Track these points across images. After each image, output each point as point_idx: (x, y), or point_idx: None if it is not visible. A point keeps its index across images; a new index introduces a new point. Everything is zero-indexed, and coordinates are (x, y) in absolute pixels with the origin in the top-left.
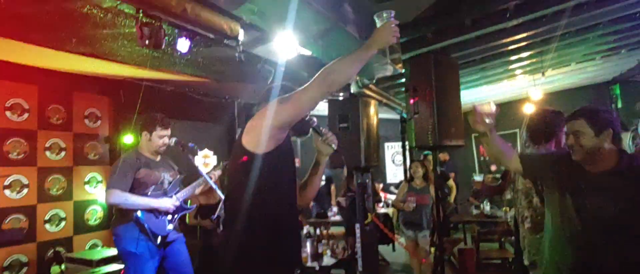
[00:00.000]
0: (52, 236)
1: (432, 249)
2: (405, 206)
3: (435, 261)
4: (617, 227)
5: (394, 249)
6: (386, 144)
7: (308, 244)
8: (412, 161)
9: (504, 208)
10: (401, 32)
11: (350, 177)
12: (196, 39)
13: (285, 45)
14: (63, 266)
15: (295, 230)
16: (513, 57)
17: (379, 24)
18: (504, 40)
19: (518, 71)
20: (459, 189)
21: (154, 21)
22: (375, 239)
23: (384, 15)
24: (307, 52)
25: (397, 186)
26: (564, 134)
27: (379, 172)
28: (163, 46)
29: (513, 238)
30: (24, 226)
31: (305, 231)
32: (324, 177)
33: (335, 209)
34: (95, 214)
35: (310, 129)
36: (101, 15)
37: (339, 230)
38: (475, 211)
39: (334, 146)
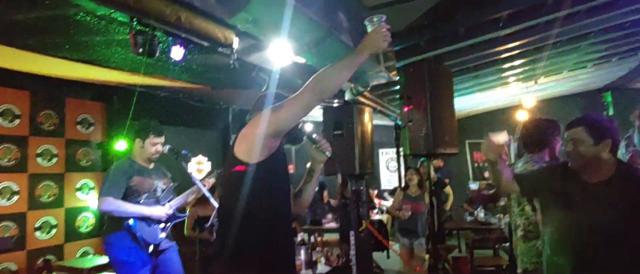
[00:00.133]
0: (42, 243)
1: (427, 256)
2: (400, 214)
3: (429, 269)
4: (614, 236)
5: (388, 256)
6: (380, 151)
7: (302, 251)
8: (407, 168)
9: (498, 215)
10: (395, 40)
11: (345, 185)
12: (190, 46)
13: (280, 53)
14: None
15: (289, 238)
16: (506, 65)
17: (369, 28)
18: (497, 49)
19: (511, 79)
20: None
21: (147, 29)
22: (370, 246)
23: (375, 19)
24: (302, 60)
25: (391, 192)
26: (559, 142)
27: (373, 178)
28: (157, 54)
29: (507, 245)
30: (13, 233)
31: (299, 238)
32: None
33: (329, 215)
34: (86, 222)
35: (304, 137)
36: (95, 22)
37: (333, 237)
38: (469, 218)
39: (328, 153)
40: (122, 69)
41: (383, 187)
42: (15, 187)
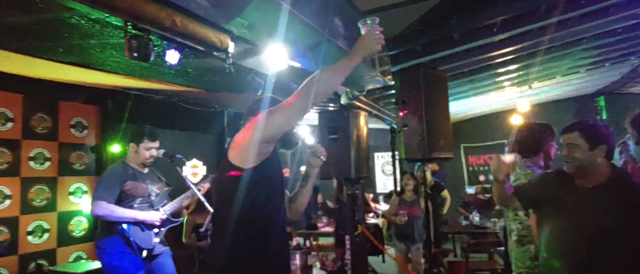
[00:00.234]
0: (34, 248)
1: (422, 261)
2: (397, 219)
3: (425, 273)
4: (608, 241)
5: (383, 261)
6: (376, 154)
7: (297, 256)
8: (402, 172)
9: (493, 219)
10: (391, 45)
11: (341, 189)
12: (185, 50)
13: (275, 57)
14: None
15: (284, 243)
16: (500, 70)
17: (363, 31)
18: (492, 54)
19: (505, 83)
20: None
21: (142, 33)
22: (365, 250)
23: (368, 22)
24: (297, 65)
25: (387, 196)
26: (554, 146)
27: (369, 182)
28: (151, 58)
29: (502, 249)
30: (5, 238)
31: (294, 242)
32: None
33: (324, 219)
34: (80, 226)
35: (299, 141)
36: (89, 25)
37: (329, 241)
38: (464, 222)
39: (323, 158)
40: (116, 73)
41: (378, 190)
42: (7, 191)
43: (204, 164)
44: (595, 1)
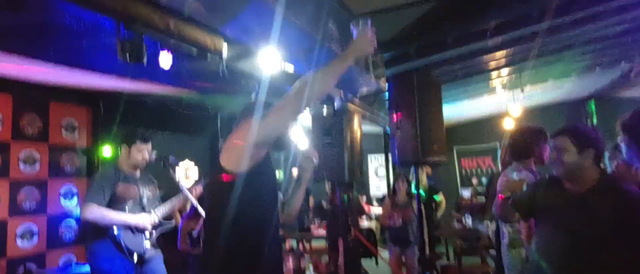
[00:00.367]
0: (23, 251)
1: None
2: (391, 223)
3: None
4: (596, 246)
5: (376, 264)
6: (369, 157)
7: (291, 259)
8: (395, 175)
9: (485, 222)
10: (384, 49)
11: (334, 193)
12: (179, 52)
13: (269, 61)
14: None
15: (276, 247)
16: (493, 74)
17: (355, 33)
18: (485, 58)
19: (498, 87)
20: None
21: (135, 36)
22: (358, 253)
23: (361, 23)
24: (291, 68)
25: (380, 199)
26: (547, 149)
27: (362, 184)
28: (144, 61)
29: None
30: None
31: (288, 246)
32: None
33: (317, 221)
34: (70, 229)
35: (292, 144)
36: (81, 26)
37: (322, 244)
38: (457, 226)
39: (316, 161)
40: (109, 74)
41: (372, 193)
42: None
43: (196, 166)
44: (587, 7)
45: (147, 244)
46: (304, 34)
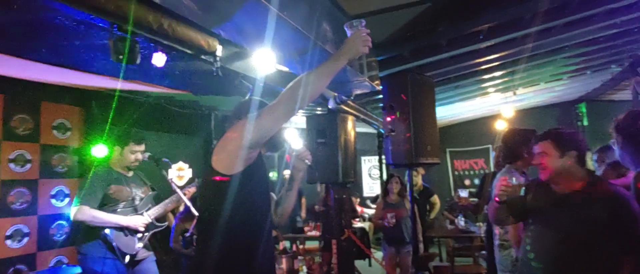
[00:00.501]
0: (13, 252)
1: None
2: (385, 223)
3: None
4: (582, 246)
5: (370, 265)
6: (363, 158)
7: (284, 260)
8: (389, 175)
9: (478, 223)
10: (378, 51)
11: (329, 193)
12: (173, 53)
13: (264, 62)
14: None
15: (269, 248)
16: (486, 76)
17: (349, 33)
18: (478, 60)
19: (490, 89)
20: None
21: (128, 36)
22: (352, 254)
23: (354, 23)
24: (285, 69)
25: (373, 200)
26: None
27: (356, 186)
28: (138, 61)
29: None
30: None
31: (281, 246)
32: None
33: (312, 223)
34: (61, 230)
35: (285, 144)
36: (73, 26)
37: (315, 245)
38: (450, 226)
39: (308, 162)
40: (101, 74)
41: (365, 194)
42: None
43: (190, 167)
44: (578, 10)
45: (139, 245)
46: (298, 35)
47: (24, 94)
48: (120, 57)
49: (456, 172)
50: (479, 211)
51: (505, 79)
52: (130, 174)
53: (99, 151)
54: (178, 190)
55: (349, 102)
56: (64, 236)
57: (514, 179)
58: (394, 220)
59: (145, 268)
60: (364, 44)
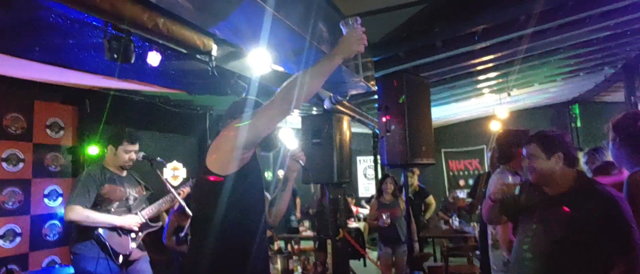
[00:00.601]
0: (5, 253)
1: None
2: (380, 223)
3: None
4: (571, 247)
5: (364, 265)
6: (358, 158)
7: (279, 260)
8: (384, 175)
9: (472, 223)
10: (374, 51)
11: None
12: (168, 52)
13: (259, 61)
14: None
15: (263, 248)
16: (481, 77)
17: (345, 31)
18: (472, 61)
19: (485, 90)
20: None
21: (123, 35)
22: (346, 254)
23: (350, 21)
24: (281, 69)
25: (368, 200)
26: None
27: (351, 186)
28: (132, 60)
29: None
30: None
31: (276, 247)
32: None
33: (307, 223)
34: (54, 229)
35: (279, 144)
36: (67, 25)
37: (310, 245)
38: (444, 227)
39: (302, 163)
40: (95, 73)
41: (360, 195)
42: None
43: (184, 167)
44: (573, 13)
45: (133, 245)
46: (294, 35)
47: (17, 92)
48: (115, 56)
49: (451, 173)
50: (472, 211)
51: (500, 80)
52: (124, 173)
53: (93, 150)
54: (172, 190)
55: (345, 102)
56: (57, 236)
57: (510, 177)
58: (389, 220)
59: (139, 268)
60: (360, 42)
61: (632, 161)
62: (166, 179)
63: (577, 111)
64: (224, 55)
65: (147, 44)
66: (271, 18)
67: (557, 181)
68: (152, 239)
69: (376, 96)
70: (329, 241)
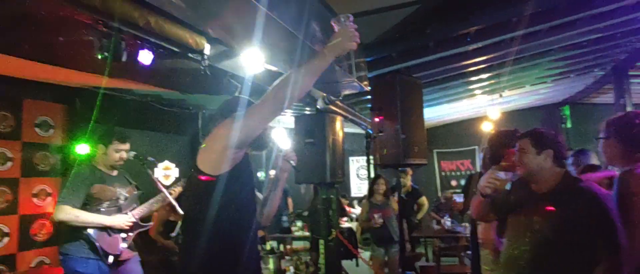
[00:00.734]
0: None
1: None
2: (372, 224)
3: None
4: (557, 244)
5: (357, 265)
6: (351, 158)
7: (271, 260)
8: (376, 176)
9: (463, 224)
10: (367, 52)
11: (317, 194)
12: (159, 51)
13: (252, 61)
14: None
15: (254, 248)
16: (473, 78)
17: (336, 29)
18: (465, 63)
19: (477, 91)
20: None
21: (114, 33)
22: (339, 254)
23: (342, 19)
24: (274, 69)
25: (361, 200)
26: None
27: (344, 186)
28: (124, 59)
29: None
30: None
31: (268, 247)
32: None
33: (299, 223)
34: (43, 229)
35: (271, 143)
36: (57, 22)
37: (302, 245)
38: (436, 227)
39: (293, 163)
40: (86, 71)
41: (353, 194)
42: None
43: (176, 166)
44: (563, 15)
45: (123, 245)
46: (287, 35)
47: (5, 91)
48: (106, 54)
49: (443, 173)
50: (464, 211)
51: (492, 81)
52: (115, 173)
53: (83, 149)
54: (164, 189)
55: (338, 102)
56: (46, 236)
57: (503, 173)
58: (381, 220)
59: (129, 268)
60: (351, 39)
61: (625, 159)
62: (157, 178)
63: (568, 112)
64: (217, 54)
65: (139, 42)
66: (264, 17)
67: (545, 177)
68: (143, 240)
69: (369, 96)
70: (321, 241)
